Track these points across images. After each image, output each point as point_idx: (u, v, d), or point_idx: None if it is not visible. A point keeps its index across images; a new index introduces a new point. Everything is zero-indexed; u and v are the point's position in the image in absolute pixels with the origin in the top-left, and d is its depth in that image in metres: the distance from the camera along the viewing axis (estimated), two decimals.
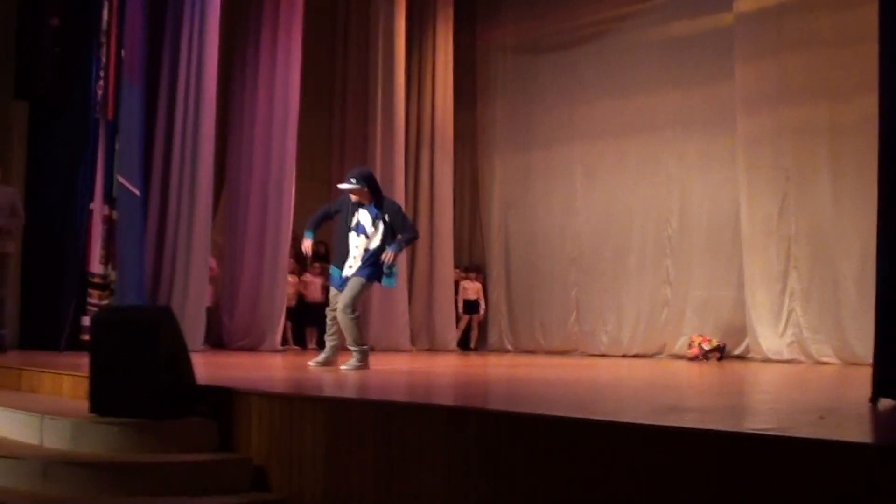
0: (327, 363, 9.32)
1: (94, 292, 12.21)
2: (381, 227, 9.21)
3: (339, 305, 9.12)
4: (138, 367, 6.31)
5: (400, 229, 9.24)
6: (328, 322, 9.47)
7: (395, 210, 9.39)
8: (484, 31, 16.99)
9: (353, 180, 9.24)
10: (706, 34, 14.07)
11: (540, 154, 16.03)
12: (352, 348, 9.25)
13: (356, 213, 9.27)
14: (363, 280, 9.14)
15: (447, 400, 6.60)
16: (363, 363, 9.19)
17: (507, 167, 16.49)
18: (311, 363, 9.40)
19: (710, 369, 11.28)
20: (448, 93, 16.47)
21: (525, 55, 16.38)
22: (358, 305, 9.21)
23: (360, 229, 9.22)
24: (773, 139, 12.92)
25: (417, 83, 16.43)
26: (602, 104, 15.17)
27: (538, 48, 16.19)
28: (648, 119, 14.57)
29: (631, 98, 14.78)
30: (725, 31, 13.61)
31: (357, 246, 9.21)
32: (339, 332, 9.35)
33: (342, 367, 9.12)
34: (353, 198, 9.28)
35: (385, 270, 9.22)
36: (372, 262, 9.15)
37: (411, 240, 9.62)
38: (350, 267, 9.22)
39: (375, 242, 9.18)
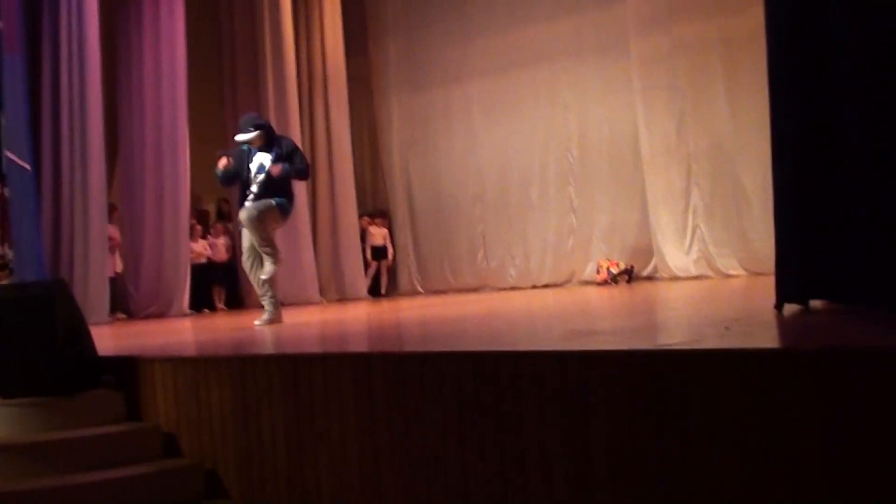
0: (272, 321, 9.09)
1: None
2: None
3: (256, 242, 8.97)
4: (37, 344, 6.15)
5: (296, 162, 9.18)
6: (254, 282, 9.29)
7: (292, 146, 9.36)
8: None
9: (251, 128, 9.22)
10: None
11: (437, 93, 15.87)
12: (263, 301, 9.13)
13: (254, 158, 9.18)
14: (271, 203, 8.97)
15: (359, 347, 6.53)
16: (275, 317, 9.05)
17: (404, 109, 16.30)
18: (256, 322, 9.11)
19: (619, 292, 11.35)
20: (338, 36, 16.15)
21: None
22: (272, 237, 9.07)
23: (261, 170, 9.11)
24: (666, 59, 12.92)
25: (306, 29, 16.09)
26: (494, 38, 15.02)
27: None
28: (542, 49, 14.46)
29: (523, 29, 14.64)
30: None
31: (258, 182, 9.09)
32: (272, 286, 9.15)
33: (256, 323, 8.98)
34: (251, 144, 9.21)
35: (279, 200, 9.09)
36: (271, 186, 9.00)
37: (302, 172, 9.29)
38: (250, 199, 9.07)
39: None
